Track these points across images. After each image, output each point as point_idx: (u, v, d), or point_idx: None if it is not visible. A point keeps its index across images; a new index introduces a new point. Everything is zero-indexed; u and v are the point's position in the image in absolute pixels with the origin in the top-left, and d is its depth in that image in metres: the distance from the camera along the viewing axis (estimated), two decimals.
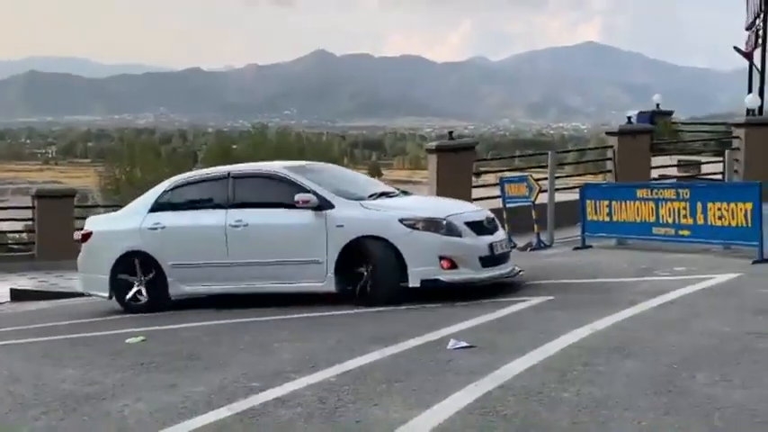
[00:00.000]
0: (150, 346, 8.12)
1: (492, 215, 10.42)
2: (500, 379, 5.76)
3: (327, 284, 9.63)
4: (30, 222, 21.51)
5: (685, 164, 24.11)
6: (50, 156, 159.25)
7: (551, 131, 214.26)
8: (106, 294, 10.99)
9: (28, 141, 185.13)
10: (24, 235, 23.64)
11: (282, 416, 5.32)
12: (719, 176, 19.56)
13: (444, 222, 9.43)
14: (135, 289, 10.76)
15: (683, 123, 29.52)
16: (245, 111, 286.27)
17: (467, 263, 9.37)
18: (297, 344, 7.60)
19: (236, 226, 10.09)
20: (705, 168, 22.37)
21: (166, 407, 5.72)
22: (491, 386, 5.60)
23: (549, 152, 15.63)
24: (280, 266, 9.91)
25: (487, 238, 9.67)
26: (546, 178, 15.29)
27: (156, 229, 10.62)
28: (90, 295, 11.65)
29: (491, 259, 9.60)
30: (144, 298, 10.70)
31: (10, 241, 26.19)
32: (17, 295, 15.41)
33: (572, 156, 28.49)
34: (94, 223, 11.66)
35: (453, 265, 9.29)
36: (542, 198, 14.87)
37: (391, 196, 10.47)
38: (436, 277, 9.25)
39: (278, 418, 5.27)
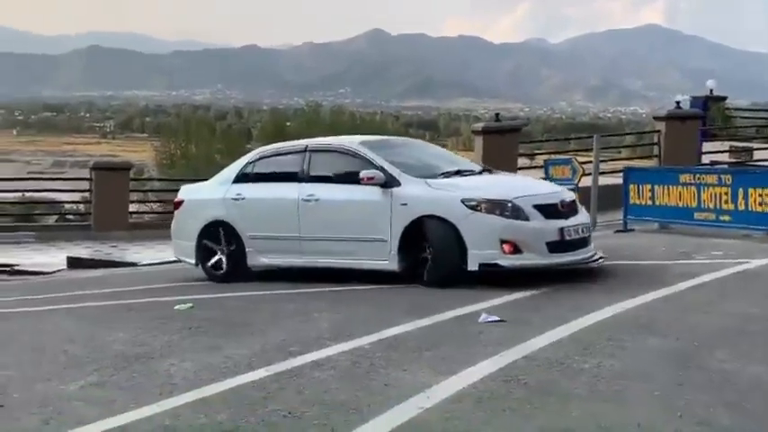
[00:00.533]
0: (198, 312, 8.48)
1: (572, 197, 9.81)
2: (525, 350, 6.03)
3: (391, 263, 9.43)
4: (87, 194, 22.15)
5: (737, 150, 23.93)
6: (108, 130, 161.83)
7: (609, 115, 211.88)
8: (193, 261, 11.19)
9: (87, 115, 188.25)
10: (81, 206, 24.34)
11: (317, 377, 5.64)
12: None
13: (509, 204, 8.98)
14: (217, 258, 10.86)
15: (736, 109, 29.20)
16: (301, 88, 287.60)
17: (531, 248, 8.90)
18: (336, 314, 7.90)
19: (307, 200, 10.04)
20: (758, 155, 22.22)
21: (209, 366, 6.08)
22: (516, 357, 5.87)
23: (594, 136, 15.74)
24: (347, 243, 9.80)
25: (558, 222, 9.13)
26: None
27: (237, 199, 10.72)
28: (180, 261, 11.85)
29: (561, 244, 9.09)
30: (225, 267, 10.80)
31: (67, 211, 26.94)
32: (73, 263, 15.98)
33: (628, 139, 28.40)
34: (186, 192, 11.82)
35: (516, 250, 8.84)
36: (586, 181, 14.96)
37: (465, 175, 10.03)
38: (496, 261, 8.84)
39: (312, 379, 5.60)
